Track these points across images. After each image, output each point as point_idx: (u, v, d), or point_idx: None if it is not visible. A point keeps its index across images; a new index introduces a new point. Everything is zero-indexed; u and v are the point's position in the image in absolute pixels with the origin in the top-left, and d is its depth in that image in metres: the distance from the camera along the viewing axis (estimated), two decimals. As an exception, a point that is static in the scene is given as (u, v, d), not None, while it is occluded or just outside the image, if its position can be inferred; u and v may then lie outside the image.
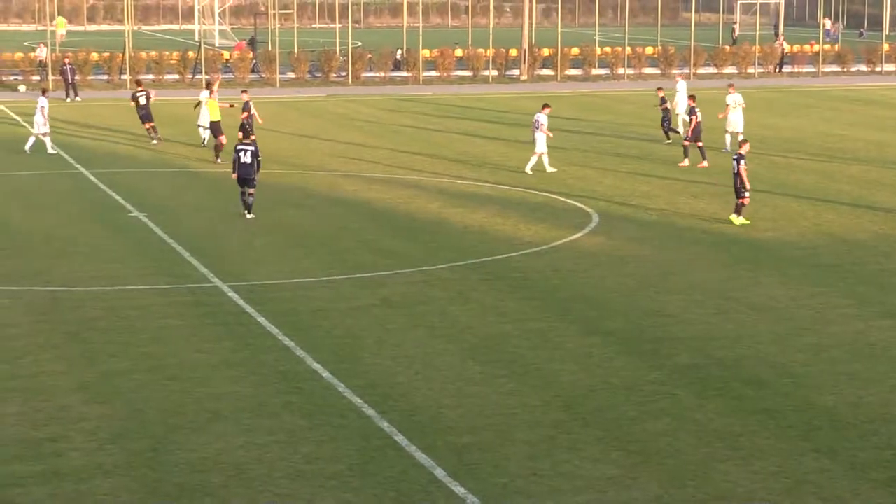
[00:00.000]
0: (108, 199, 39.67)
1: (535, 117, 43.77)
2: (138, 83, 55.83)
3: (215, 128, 47.12)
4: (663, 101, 50.67)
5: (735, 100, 49.36)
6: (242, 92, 50.29)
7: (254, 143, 37.06)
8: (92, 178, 43.29)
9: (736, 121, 49.01)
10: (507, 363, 23.49)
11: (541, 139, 43.36)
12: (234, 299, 27.76)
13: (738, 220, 35.43)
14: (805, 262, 31.46)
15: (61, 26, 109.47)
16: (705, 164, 45.06)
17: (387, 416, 20.53)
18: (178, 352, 24.09)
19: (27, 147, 46.73)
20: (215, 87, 49.67)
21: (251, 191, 36.11)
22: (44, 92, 48.38)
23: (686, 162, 45.44)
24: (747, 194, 35.29)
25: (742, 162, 35.03)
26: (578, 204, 38.67)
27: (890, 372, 22.94)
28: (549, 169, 43.40)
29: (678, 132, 50.17)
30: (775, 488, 17.94)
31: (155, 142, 51.11)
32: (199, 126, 50.66)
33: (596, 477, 18.32)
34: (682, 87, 55.37)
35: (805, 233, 34.89)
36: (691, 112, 46.65)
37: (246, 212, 35.96)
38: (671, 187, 41.60)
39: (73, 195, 40.42)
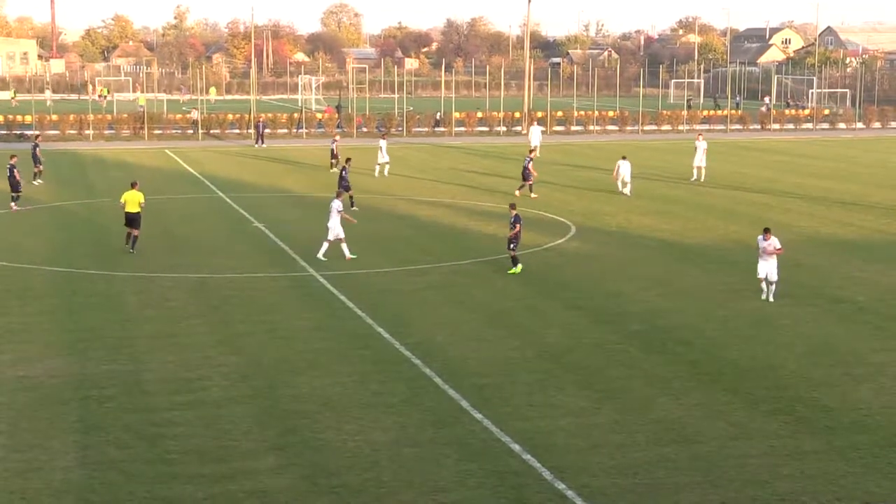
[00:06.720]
0: (237, 214, 39.77)
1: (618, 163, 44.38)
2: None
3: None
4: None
5: (701, 145, 49.50)
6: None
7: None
8: (227, 199, 43.39)
9: (699, 158, 49.19)
10: (511, 328, 23.44)
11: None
12: (324, 284, 27.76)
13: (515, 269, 28.90)
14: (718, 260, 31.29)
15: (213, 94, 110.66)
16: (534, 195, 43.20)
17: (428, 364, 20.51)
18: (286, 319, 24.12)
19: (320, 254, 30.38)
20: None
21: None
22: (338, 195, 31.17)
23: (521, 193, 43.18)
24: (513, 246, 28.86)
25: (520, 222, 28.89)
26: (561, 219, 38.56)
27: (776, 336, 22.83)
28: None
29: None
30: (696, 415, 17.87)
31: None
32: (377, 164, 51.07)
33: (573, 407, 18.27)
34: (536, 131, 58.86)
35: (718, 239, 34.71)
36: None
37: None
38: (626, 208, 41.46)
39: (213, 212, 40.55)
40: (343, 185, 37.95)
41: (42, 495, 14.63)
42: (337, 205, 30.42)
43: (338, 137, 56.37)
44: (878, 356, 21.45)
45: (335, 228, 30.21)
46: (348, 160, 41.13)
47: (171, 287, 27.26)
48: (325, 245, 30.40)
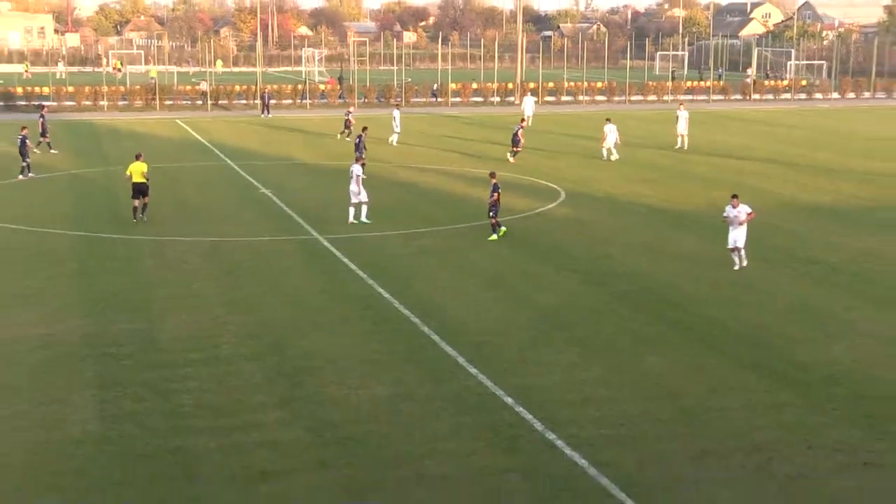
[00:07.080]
0: (245, 181, 39.72)
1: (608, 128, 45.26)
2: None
3: None
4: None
5: (682, 115, 49.59)
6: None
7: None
8: (236, 167, 43.33)
9: (682, 127, 49.27)
10: (505, 290, 23.49)
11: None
12: (329, 247, 27.79)
13: (498, 234, 28.57)
14: (701, 225, 31.28)
15: (219, 66, 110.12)
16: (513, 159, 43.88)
17: (427, 324, 20.57)
18: (292, 281, 24.17)
19: (351, 217, 30.57)
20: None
21: None
22: (357, 160, 32.35)
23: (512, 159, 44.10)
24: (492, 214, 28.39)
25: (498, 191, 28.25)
26: (552, 185, 38.55)
27: (762, 299, 22.90)
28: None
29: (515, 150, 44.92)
30: (680, 371, 17.97)
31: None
32: (395, 133, 50.55)
33: (563, 363, 18.37)
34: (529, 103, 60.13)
35: (701, 205, 34.69)
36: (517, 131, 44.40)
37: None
38: (614, 175, 41.45)
39: (223, 179, 40.50)
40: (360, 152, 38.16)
41: (63, 445, 14.73)
42: (357, 169, 30.57)
43: (352, 108, 56.30)
44: (849, 314, 21.55)
45: (361, 194, 30.34)
46: (364, 129, 41.26)
47: (184, 250, 27.28)
48: (365, 208, 30.60)
